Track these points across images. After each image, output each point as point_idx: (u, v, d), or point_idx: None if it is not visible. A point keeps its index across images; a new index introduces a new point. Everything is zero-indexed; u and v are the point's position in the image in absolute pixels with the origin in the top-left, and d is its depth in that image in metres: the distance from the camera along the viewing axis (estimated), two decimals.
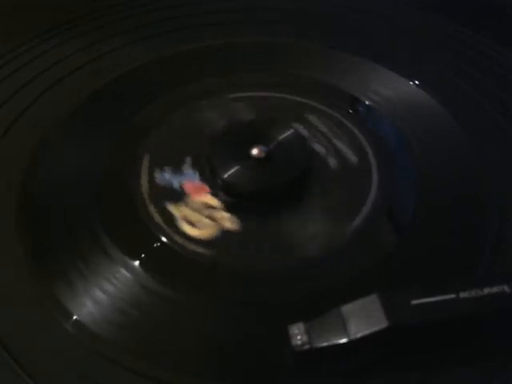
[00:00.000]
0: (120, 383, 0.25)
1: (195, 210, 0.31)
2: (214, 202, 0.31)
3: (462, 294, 0.25)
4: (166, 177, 0.33)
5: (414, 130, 0.35)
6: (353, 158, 0.34)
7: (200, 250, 0.30)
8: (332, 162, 0.33)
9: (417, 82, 0.38)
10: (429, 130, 0.35)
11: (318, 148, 0.34)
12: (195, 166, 0.33)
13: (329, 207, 0.31)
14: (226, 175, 0.32)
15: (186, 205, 0.31)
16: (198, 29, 0.43)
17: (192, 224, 0.31)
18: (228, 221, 0.31)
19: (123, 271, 0.29)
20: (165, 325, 0.27)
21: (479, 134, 0.35)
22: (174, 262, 0.29)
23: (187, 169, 0.33)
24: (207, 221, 0.31)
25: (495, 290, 0.25)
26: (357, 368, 0.25)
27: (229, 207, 0.31)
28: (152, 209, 0.31)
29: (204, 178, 0.33)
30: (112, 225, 0.31)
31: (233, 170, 0.32)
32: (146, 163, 0.33)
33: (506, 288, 0.25)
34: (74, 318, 0.27)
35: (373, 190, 0.32)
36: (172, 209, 0.31)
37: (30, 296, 0.28)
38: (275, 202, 0.32)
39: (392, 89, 0.38)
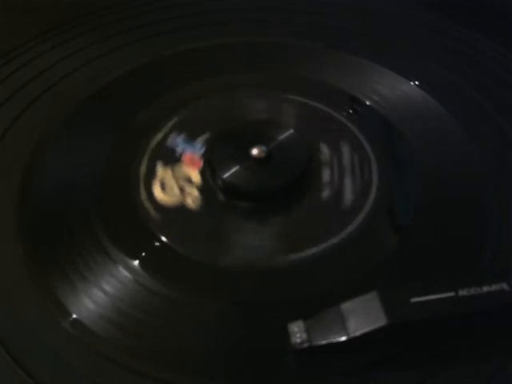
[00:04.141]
0: (120, 383, 0.25)
1: (175, 177, 0.32)
2: (195, 177, 0.32)
3: (461, 292, 0.25)
4: (176, 140, 0.34)
5: (413, 130, 0.35)
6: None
7: (200, 250, 0.30)
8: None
9: (417, 82, 0.38)
10: (429, 129, 0.35)
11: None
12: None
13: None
14: (225, 175, 0.32)
15: (172, 170, 0.32)
16: (198, 29, 0.43)
17: (163, 187, 0.31)
18: (192, 199, 0.31)
19: (123, 271, 0.29)
20: (165, 325, 0.27)
21: (479, 133, 0.35)
22: (174, 262, 0.29)
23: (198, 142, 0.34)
24: (176, 190, 0.31)
25: (494, 288, 0.25)
26: (357, 368, 0.25)
27: (227, 205, 0.31)
28: (152, 209, 0.31)
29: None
30: (112, 225, 0.31)
31: (233, 170, 0.32)
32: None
33: (505, 286, 0.25)
34: (74, 317, 0.27)
35: (373, 189, 0.32)
36: (159, 168, 0.32)
37: (30, 296, 0.28)
38: (275, 201, 0.32)
39: (392, 89, 0.38)
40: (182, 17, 0.44)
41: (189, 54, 0.40)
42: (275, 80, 0.39)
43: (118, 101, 0.37)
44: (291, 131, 0.34)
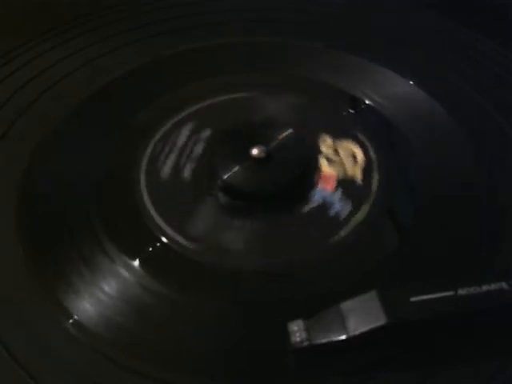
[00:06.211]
0: (120, 383, 0.25)
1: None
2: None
3: (461, 291, 0.25)
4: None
5: (413, 130, 0.35)
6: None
7: (200, 250, 0.30)
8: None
9: (417, 82, 0.38)
10: (429, 129, 0.35)
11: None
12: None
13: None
14: (225, 176, 0.32)
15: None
16: (198, 29, 0.43)
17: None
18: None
19: (123, 271, 0.29)
20: (165, 325, 0.27)
21: (479, 134, 0.35)
22: (174, 262, 0.29)
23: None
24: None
25: (493, 287, 0.25)
26: (357, 368, 0.25)
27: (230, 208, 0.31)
28: (152, 209, 0.31)
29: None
30: (112, 225, 0.31)
31: (233, 171, 0.32)
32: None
33: (505, 285, 0.25)
34: (74, 317, 0.27)
35: (373, 190, 0.32)
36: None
37: (30, 296, 0.28)
38: (275, 202, 0.32)
39: (392, 89, 0.38)
40: (182, 17, 0.44)
41: (189, 54, 0.40)
42: (275, 80, 0.39)
43: (118, 101, 0.37)
44: (291, 131, 0.34)
